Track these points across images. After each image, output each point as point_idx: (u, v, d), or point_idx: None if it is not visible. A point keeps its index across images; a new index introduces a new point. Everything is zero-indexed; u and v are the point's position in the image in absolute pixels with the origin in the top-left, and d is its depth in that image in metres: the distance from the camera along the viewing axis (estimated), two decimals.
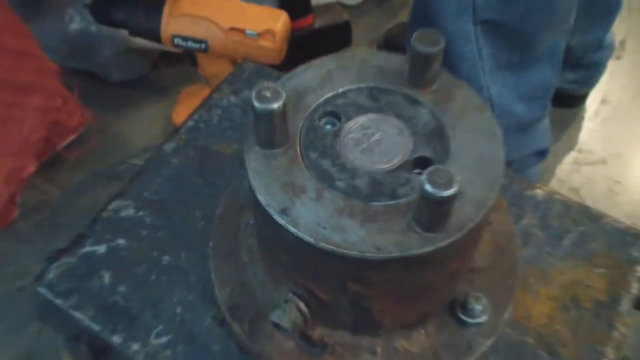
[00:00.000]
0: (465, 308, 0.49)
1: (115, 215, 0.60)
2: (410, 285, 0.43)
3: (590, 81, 1.51)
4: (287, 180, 0.42)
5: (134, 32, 1.28)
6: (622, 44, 1.71)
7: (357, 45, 1.57)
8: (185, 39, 1.23)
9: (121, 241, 0.58)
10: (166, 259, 0.57)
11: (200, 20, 1.22)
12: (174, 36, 1.23)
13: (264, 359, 0.49)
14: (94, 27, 1.49)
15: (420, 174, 0.42)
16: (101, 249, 0.58)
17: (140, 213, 0.60)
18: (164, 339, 0.52)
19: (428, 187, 0.37)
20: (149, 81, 1.63)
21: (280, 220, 0.40)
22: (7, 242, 1.41)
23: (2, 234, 1.40)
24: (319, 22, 1.52)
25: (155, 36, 1.25)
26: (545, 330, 0.54)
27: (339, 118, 0.45)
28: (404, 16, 1.74)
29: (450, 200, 0.37)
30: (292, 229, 0.40)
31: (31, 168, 1.30)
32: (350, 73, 0.47)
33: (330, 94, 0.46)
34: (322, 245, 0.39)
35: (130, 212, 0.60)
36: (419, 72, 0.45)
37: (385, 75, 0.47)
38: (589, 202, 0.71)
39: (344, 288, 0.43)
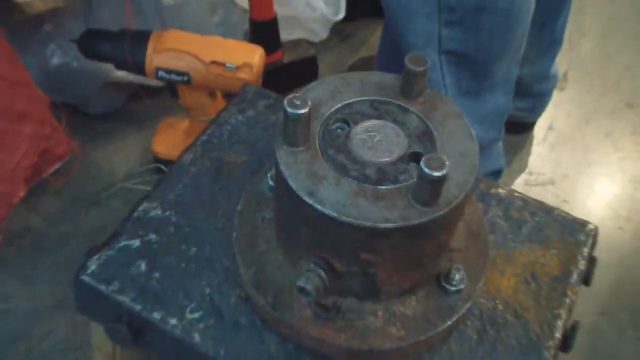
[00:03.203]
0: (447, 278, 0.62)
1: (144, 215, 0.71)
2: (408, 253, 0.55)
3: (538, 109, 1.67)
4: (311, 170, 0.54)
5: (120, 66, 1.39)
6: (565, 76, 1.89)
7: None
8: (168, 71, 1.35)
9: (152, 236, 0.69)
10: (193, 250, 0.68)
11: (183, 55, 1.34)
12: (158, 69, 1.35)
13: (285, 326, 0.61)
14: (75, 62, 1.59)
15: (414, 165, 0.55)
16: (136, 242, 0.69)
17: (167, 213, 0.71)
18: (196, 315, 0.63)
19: (426, 170, 0.49)
20: (126, 113, 1.73)
21: (309, 200, 0.52)
22: None
23: None
24: (288, 57, 1.66)
25: (140, 69, 1.36)
26: (512, 299, 0.67)
27: (347, 123, 0.58)
28: (365, 51, 1.88)
29: (442, 179, 0.50)
30: (319, 207, 0.52)
31: (21, 193, 1.38)
32: (354, 88, 0.60)
33: (339, 105, 0.59)
34: (344, 218, 0.51)
35: (158, 212, 0.71)
36: (410, 86, 0.58)
37: (382, 89, 0.60)
38: None
39: (356, 257, 0.55)
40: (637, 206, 1.63)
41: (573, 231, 0.72)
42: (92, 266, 0.67)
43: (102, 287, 0.66)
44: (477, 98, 1.18)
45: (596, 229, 0.73)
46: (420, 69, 0.57)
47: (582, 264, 0.70)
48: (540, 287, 0.68)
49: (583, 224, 0.73)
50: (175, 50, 1.34)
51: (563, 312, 0.66)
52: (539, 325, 0.65)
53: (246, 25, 1.66)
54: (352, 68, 1.77)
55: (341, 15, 1.77)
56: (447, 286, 0.62)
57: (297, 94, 0.54)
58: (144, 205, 0.71)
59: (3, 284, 1.46)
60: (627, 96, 1.86)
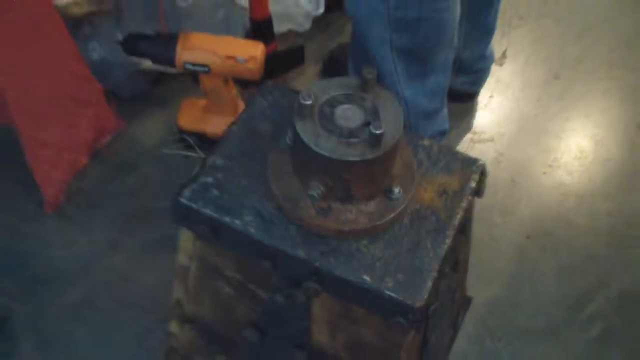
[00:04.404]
0: (390, 191, 1.17)
1: (213, 164, 1.25)
2: (367, 174, 1.10)
3: (479, 82, 2.23)
4: (314, 132, 1.09)
5: (155, 60, 1.92)
6: (504, 53, 2.44)
7: (309, 62, 2.26)
8: (193, 64, 1.88)
9: (219, 175, 1.23)
10: (244, 182, 1.23)
11: (204, 51, 1.87)
12: (185, 63, 1.88)
13: (300, 220, 1.15)
14: (109, 56, 2.10)
15: (368, 128, 1.10)
16: (209, 179, 1.23)
17: (225, 161, 1.25)
18: (249, 217, 1.18)
19: (372, 130, 1.04)
20: (151, 96, 2.25)
21: (314, 147, 1.07)
22: (56, 220, 2.00)
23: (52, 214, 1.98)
24: (280, 47, 2.19)
25: (171, 63, 1.90)
26: (430, 204, 1.22)
27: (333, 106, 1.13)
28: (342, 39, 2.43)
29: (381, 135, 1.05)
30: (320, 151, 1.07)
31: (84, 160, 1.92)
32: (336, 87, 1.15)
33: (328, 96, 1.14)
34: (333, 156, 1.06)
35: (220, 161, 1.25)
36: (365, 84, 1.13)
37: (350, 87, 1.15)
38: None
39: (340, 177, 1.10)
40: (558, 156, 2.20)
41: (469, 165, 1.28)
42: (186, 193, 1.21)
43: (193, 204, 1.20)
44: (423, 79, 1.73)
45: (483, 164, 1.29)
46: (370, 76, 1.12)
47: (473, 183, 1.25)
48: (448, 197, 1.23)
49: (475, 160, 1.29)
50: (199, 48, 1.87)
51: (460, 211, 1.22)
52: (445, 218, 1.21)
53: (245, 20, 2.18)
54: (332, 53, 2.32)
55: (321, 9, 2.32)
56: (391, 195, 1.17)
57: (305, 91, 1.08)
58: (211, 158, 1.26)
59: (68, 232, 1.99)
60: (555, 69, 2.42)
